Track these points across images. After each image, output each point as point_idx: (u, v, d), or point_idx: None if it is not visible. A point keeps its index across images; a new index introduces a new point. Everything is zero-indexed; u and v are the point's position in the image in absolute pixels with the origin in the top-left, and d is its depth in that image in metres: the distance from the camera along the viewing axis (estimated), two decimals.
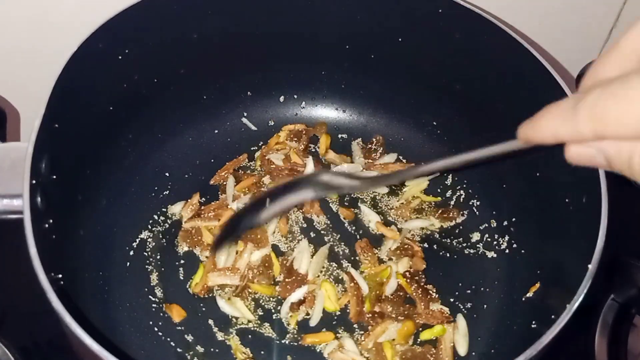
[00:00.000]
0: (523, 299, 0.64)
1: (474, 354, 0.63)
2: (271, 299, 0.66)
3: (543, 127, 0.35)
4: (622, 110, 0.31)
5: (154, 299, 0.66)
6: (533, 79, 0.63)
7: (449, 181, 0.75)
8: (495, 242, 0.70)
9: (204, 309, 0.65)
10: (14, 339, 0.64)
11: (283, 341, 0.64)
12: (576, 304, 0.48)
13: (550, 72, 0.61)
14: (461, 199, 0.74)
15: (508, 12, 0.74)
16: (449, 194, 0.75)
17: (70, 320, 0.44)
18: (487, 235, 0.71)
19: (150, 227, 0.70)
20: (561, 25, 0.82)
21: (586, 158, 0.35)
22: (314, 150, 0.77)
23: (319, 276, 0.68)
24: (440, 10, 0.66)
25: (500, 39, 0.64)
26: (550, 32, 0.81)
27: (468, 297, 0.67)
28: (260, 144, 0.77)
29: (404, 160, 0.76)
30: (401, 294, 0.66)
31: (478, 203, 0.73)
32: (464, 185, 0.75)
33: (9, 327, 0.66)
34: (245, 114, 0.78)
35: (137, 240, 0.69)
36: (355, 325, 0.65)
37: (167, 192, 0.73)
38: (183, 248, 0.69)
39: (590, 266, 0.50)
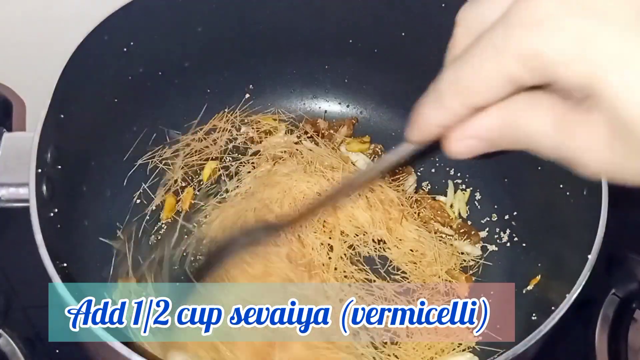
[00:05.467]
0: (524, 291, 0.64)
1: (474, 344, 0.63)
2: None
3: (422, 123, 0.34)
4: (477, 73, 0.30)
5: None
6: None
7: (450, 175, 0.75)
8: (496, 236, 0.71)
9: None
10: (18, 329, 0.65)
11: None
12: (575, 294, 0.49)
13: None
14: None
15: None
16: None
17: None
18: (488, 229, 0.71)
19: (154, 218, 0.70)
20: None
21: (471, 145, 0.34)
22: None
23: None
24: (443, 5, 0.66)
25: None
26: None
27: None
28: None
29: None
30: None
31: (479, 197, 0.74)
32: (466, 180, 0.75)
33: (13, 318, 0.66)
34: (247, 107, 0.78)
35: (141, 231, 0.69)
36: None
37: (172, 185, 0.73)
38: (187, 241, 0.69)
39: (590, 256, 0.50)
